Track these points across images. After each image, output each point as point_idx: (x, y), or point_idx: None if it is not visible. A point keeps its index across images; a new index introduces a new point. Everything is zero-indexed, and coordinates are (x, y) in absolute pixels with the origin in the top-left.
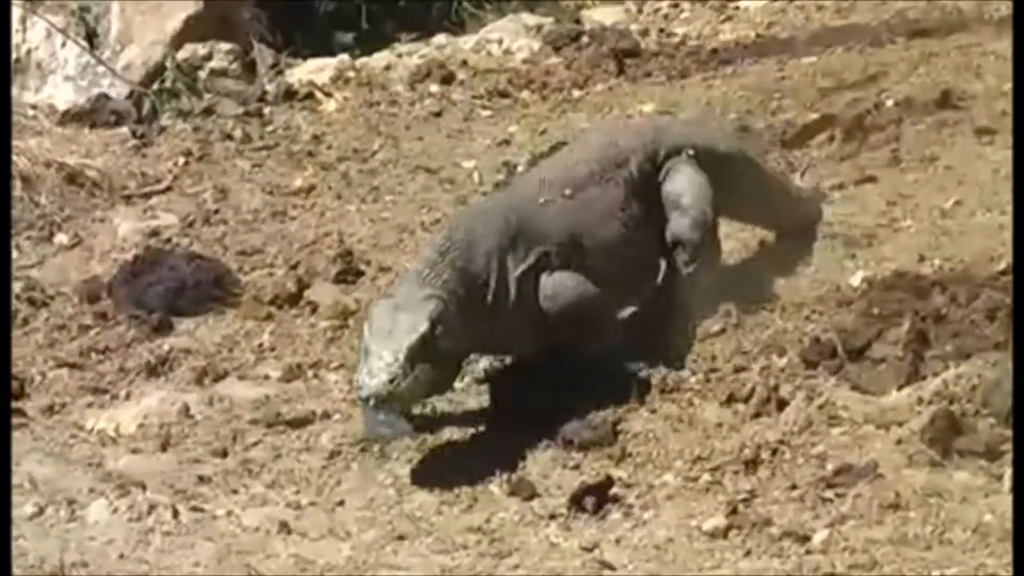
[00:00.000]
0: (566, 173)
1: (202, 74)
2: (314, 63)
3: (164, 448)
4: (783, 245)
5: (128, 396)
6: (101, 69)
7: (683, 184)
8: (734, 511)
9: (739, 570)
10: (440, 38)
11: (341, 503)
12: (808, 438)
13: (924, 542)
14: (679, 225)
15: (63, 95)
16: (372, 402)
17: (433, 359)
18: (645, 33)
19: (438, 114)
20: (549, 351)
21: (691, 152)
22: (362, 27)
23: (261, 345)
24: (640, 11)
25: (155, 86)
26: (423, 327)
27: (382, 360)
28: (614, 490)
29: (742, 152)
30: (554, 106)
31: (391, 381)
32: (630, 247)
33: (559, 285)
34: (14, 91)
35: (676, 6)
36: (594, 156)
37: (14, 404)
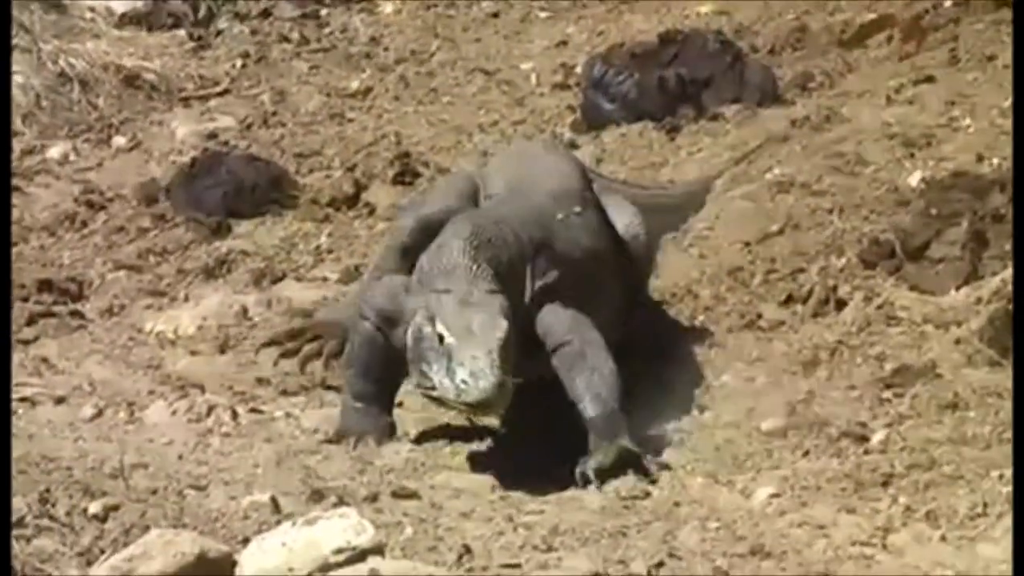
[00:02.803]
0: (564, 186)
1: None
2: None
3: (223, 350)
4: (843, 146)
5: (187, 298)
6: None
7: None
8: (792, 411)
9: (797, 470)
10: None
11: (399, 404)
12: (866, 338)
13: (983, 441)
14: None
15: None
16: (478, 407)
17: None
18: None
19: (495, 15)
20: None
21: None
22: None
23: (319, 247)
24: None
25: None
26: (505, 324)
27: (477, 361)
28: None
29: None
30: (611, 8)
31: (501, 385)
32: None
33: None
34: None
35: None
36: (568, 171)
37: (73, 306)
